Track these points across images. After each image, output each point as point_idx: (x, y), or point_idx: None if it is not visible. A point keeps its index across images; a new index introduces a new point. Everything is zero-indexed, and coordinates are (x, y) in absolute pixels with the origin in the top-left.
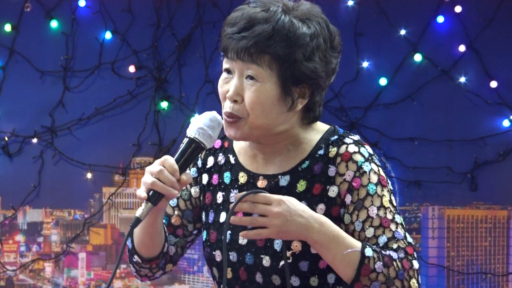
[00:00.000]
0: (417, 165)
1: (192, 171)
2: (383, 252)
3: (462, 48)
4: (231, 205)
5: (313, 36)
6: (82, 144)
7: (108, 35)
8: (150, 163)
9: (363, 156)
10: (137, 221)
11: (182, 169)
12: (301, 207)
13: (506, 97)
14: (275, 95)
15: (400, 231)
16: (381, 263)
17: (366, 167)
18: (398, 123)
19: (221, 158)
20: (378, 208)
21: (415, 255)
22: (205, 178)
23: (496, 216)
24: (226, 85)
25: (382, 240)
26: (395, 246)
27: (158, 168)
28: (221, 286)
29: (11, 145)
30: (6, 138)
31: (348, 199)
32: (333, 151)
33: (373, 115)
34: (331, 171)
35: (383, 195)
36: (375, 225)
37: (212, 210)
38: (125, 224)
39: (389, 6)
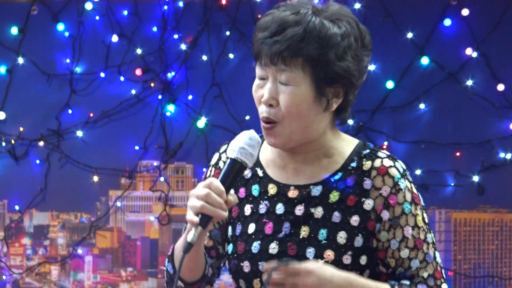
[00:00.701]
0: (424, 168)
1: None
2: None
3: (469, 51)
4: (264, 274)
5: (344, 36)
6: (88, 147)
7: (114, 38)
8: (157, 167)
9: (399, 171)
10: (190, 246)
11: (227, 190)
12: (329, 273)
13: None
14: (310, 97)
15: (431, 251)
16: None
17: (402, 184)
18: (405, 126)
19: (247, 172)
20: (413, 228)
21: (444, 276)
22: (231, 192)
23: (503, 220)
24: (261, 90)
25: (415, 264)
26: (425, 274)
27: (205, 191)
28: None
29: (17, 148)
30: (13, 141)
31: (385, 215)
32: (367, 164)
33: (380, 118)
34: (367, 184)
35: (417, 214)
36: (410, 247)
37: (239, 223)
38: (132, 227)
39: (396, 9)
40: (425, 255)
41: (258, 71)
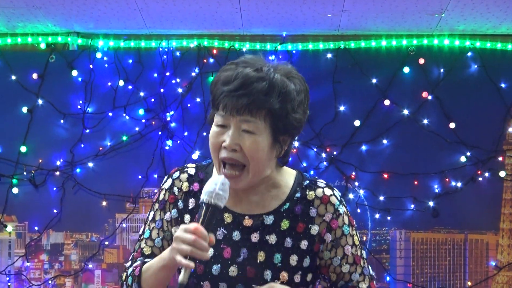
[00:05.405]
0: (386, 195)
1: (173, 212)
2: None
3: (425, 94)
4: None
5: (298, 92)
6: (98, 176)
7: (121, 83)
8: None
9: (337, 199)
10: (182, 287)
11: (208, 232)
12: None
13: (463, 137)
14: (268, 144)
15: (366, 265)
16: None
17: (341, 209)
18: (370, 158)
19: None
20: (352, 246)
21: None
22: (187, 218)
23: (455, 239)
24: (221, 137)
25: (355, 277)
26: (364, 286)
27: (193, 238)
28: None
29: (37, 177)
30: (33, 171)
31: (327, 237)
32: (310, 194)
33: (349, 151)
34: (312, 212)
35: (354, 234)
36: (350, 262)
37: None
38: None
39: (362, 58)
40: (363, 269)
41: (219, 119)
